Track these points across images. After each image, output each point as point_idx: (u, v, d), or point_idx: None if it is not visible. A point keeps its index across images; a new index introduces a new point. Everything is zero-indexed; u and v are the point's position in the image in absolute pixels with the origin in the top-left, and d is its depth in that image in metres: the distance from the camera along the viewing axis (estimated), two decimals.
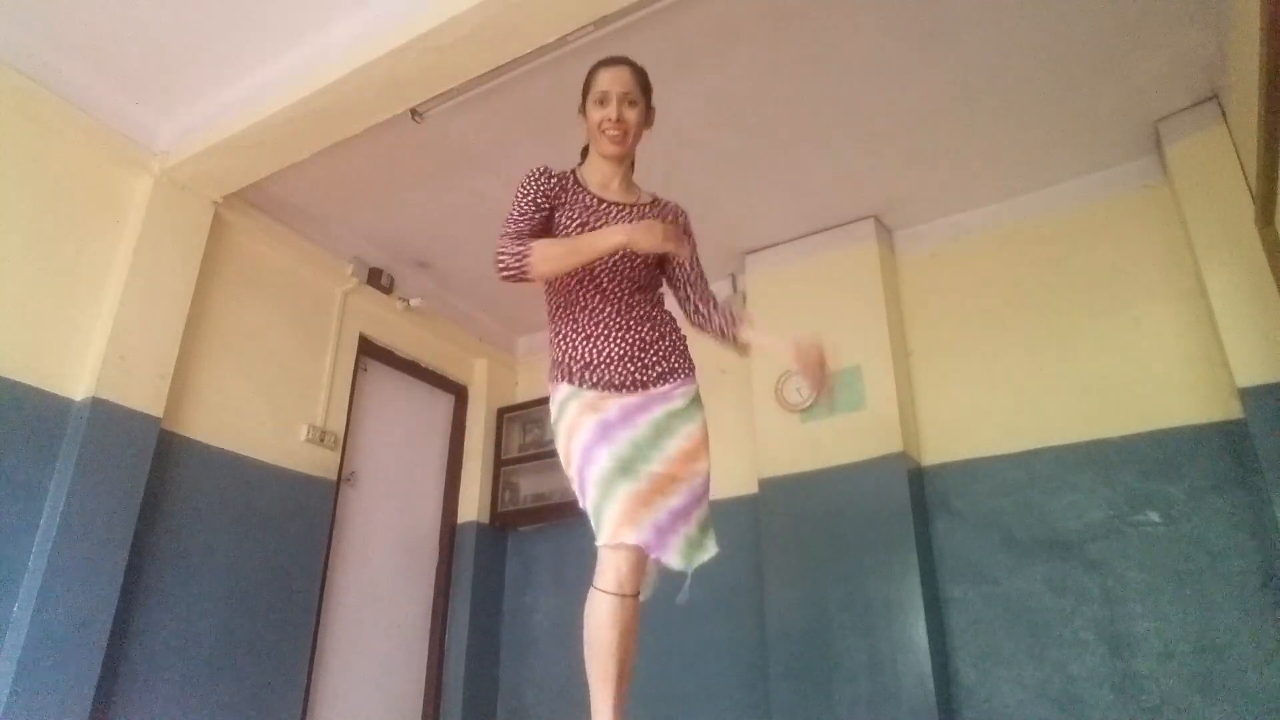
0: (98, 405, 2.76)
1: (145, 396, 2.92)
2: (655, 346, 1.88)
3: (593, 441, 1.74)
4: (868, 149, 3.29)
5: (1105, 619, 2.85)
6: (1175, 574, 2.78)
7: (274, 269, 3.64)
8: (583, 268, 1.84)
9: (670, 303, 2.04)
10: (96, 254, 2.95)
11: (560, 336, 1.91)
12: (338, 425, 3.78)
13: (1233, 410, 2.78)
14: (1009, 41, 2.74)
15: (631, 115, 1.91)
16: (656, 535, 1.68)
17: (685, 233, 2.02)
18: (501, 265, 1.81)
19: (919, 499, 3.27)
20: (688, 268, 2.02)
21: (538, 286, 1.93)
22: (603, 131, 1.91)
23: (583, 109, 1.98)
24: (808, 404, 3.49)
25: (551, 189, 1.90)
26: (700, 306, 2.04)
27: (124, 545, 2.75)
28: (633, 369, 1.84)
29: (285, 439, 3.51)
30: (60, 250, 2.85)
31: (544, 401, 1.93)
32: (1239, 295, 2.73)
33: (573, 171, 1.99)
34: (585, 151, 2.04)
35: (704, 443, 1.86)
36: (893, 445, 3.27)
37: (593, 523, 1.72)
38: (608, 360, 1.83)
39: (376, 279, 4.03)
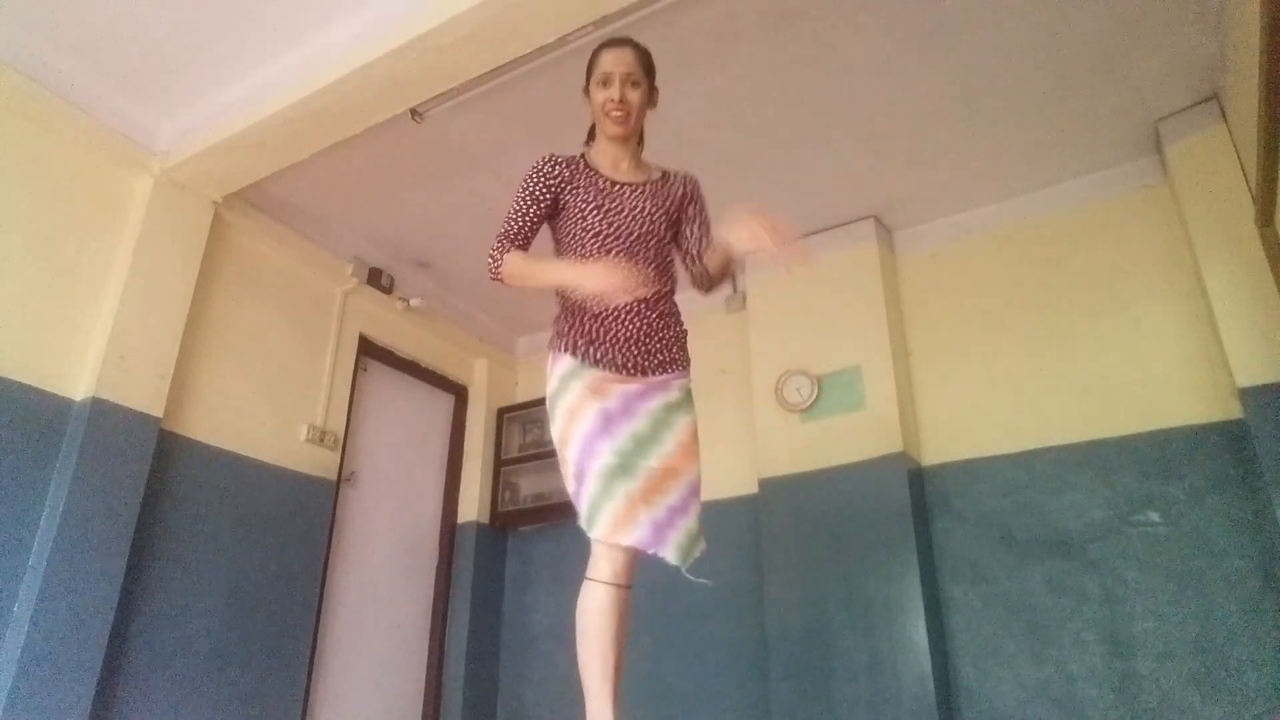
0: (98, 405, 2.76)
1: (145, 396, 2.92)
2: (661, 335, 1.89)
3: (595, 433, 1.75)
4: (868, 149, 3.29)
5: (1105, 619, 2.85)
6: (1175, 574, 2.78)
7: (274, 269, 3.64)
8: (600, 249, 1.86)
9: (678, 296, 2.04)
10: (96, 254, 2.95)
11: (569, 310, 1.91)
12: (338, 425, 3.78)
13: (1232, 410, 2.79)
14: (1009, 41, 2.74)
15: (634, 96, 1.92)
16: (655, 532, 1.69)
17: (695, 198, 2.05)
18: (488, 265, 1.89)
19: (919, 499, 3.28)
20: (697, 229, 2.04)
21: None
22: (606, 113, 1.92)
23: (586, 90, 1.99)
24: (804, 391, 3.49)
25: (558, 177, 1.91)
26: (701, 263, 2.03)
27: (124, 545, 2.75)
28: (637, 353, 1.85)
29: (285, 439, 3.51)
30: (60, 250, 2.85)
31: (544, 402, 1.92)
32: (1239, 295, 2.73)
33: (582, 155, 1.99)
34: (592, 132, 2.05)
35: (696, 436, 1.88)
36: (893, 445, 3.27)
37: (583, 512, 1.73)
38: (614, 341, 1.84)
39: (376, 279, 4.04)
